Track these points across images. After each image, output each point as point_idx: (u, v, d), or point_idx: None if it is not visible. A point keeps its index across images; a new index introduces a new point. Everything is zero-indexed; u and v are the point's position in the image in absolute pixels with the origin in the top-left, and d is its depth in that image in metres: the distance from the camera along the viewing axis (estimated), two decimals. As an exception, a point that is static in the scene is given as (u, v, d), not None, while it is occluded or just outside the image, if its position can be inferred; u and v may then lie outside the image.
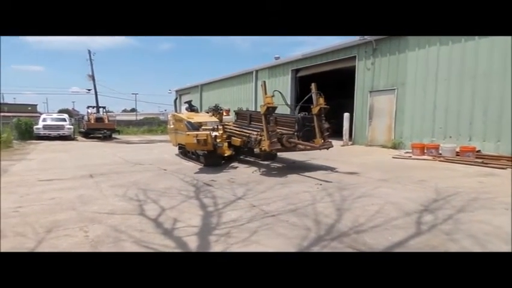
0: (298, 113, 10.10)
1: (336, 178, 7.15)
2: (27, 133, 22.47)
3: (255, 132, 9.52)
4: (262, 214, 4.56)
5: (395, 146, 11.95)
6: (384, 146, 12.32)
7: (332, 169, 8.39)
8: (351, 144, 13.90)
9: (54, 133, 22.79)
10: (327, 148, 9.14)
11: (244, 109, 13.60)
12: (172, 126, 13.09)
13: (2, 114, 29.32)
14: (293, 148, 8.92)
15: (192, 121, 10.84)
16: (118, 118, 46.41)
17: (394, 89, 12.19)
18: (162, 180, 7.17)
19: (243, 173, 8.13)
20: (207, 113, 13.58)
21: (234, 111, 13.34)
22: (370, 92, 13.13)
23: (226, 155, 10.18)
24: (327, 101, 9.16)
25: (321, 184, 6.49)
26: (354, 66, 13.76)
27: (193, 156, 10.77)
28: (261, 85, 9.42)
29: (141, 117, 60.35)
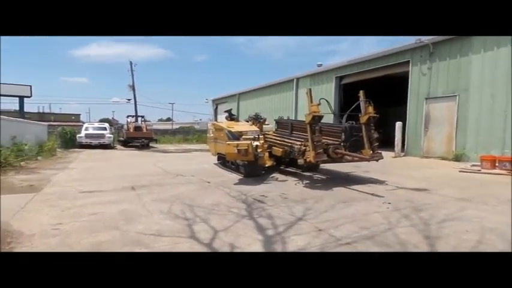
0: (345, 122, 9.29)
1: (403, 196, 6.27)
2: (70, 141, 23.06)
3: (299, 142, 8.94)
4: (334, 241, 3.83)
5: (457, 158, 10.80)
6: (443, 158, 11.19)
7: (393, 184, 7.48)
8: (403, 156, 12.83)
9: (95, 142, 23.23)
10: (377, 160, 8.33)
11: (285, 118, 12.93)
12: (211, 135, 12.70)
13: (49, 123, 30.48)
14: (340, 159, 8.28)
15: (233, 130, 10.36)
16: (154, 127, 47.29)
17: (455, 96, 11.08)
18: (207, 195, 6.61)
19: (292, 186, 7.41)
20: (247, 122, 13.08)
21: (275, 120, 12.76)
22: (426, 99, 12.06)
23: (267, 165, 9.69)
24: (375, 109, 8.37)
25: (389, 203, 5.65)
26: (407, 72, 12.75)
27: (233, 166, 10.38)
28: (306, 93, 8.81)
29: (177, 126, 61.42)
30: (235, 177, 9.16)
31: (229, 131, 10.42)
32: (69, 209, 5.42)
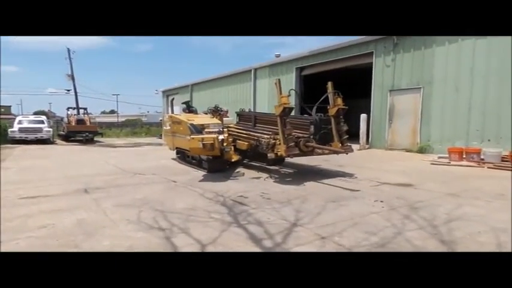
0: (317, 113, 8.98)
1: (391, 192, 5.99)
2: (0, 136, 20.54)
3: (266, 136, 8.48)
4: (346, 252, 3.34)
5: (422, 150, 10.96)
6: (408, 150, 11.32)
7: (371, 179, 7.22)
8: (368, 148, 12.86)
9: (31, 136, 20.95)
10: (347, 152, 8.09)
11: (246, 110, 12.37)
12: (168, 128, 11.84)
13: (-28, 115, 27.08)
14: (310, 153, 8.01)
15: (195, 123, 9.62)
16: (98, 120, 44.27)
17: (420, 88, 11.19)
18: (178, 197, 5.84)
19: (268, 184, 6.87)
20: (206, 114, 12.35)
21: (236, 112, 12.19)
22: (391, 91, 12.09)
23: (233, 160, 9.34)
24: (343, 101, 8.27)
25: (382, 201, 5.30)
26: (370, 64, 12.72)
27: (194, 161, 9.88)
28: (275, 83, 8.46)
29: (123, 119, 58.29)
30: (201, 174, 8.43)
31: (192, 124, 9.69)
32: (9, 222, 4.40)
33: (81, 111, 30.14)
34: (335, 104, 8.52)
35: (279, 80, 8.44)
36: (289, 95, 8.05)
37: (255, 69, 19.41)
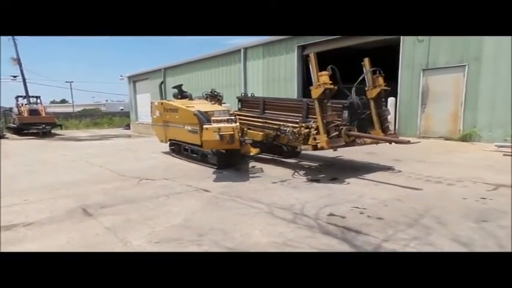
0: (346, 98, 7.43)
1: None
2: None
3: (291, 124, 7.14)
4: None
5: (465, 138, 9.72)
6: (447, 138, 10.04)
7: (469, 179, 5.70)
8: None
9: (-26, 131, 17.84)
10: (403, 143, 6.51)
11: (249, 95, 10.56)
12: (158, 116, 10.06)
13: None
14: (351, 143, 6.70)
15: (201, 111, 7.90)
16: (50, 110, 40.35)
17: (464, 66, 9.85)
18: (239, 220, 4.02)
19: (334, 189, 5.16)
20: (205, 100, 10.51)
21: (237, 97, 10.54)
22: (424, 70, 10.69)
23: (251, 153, 8.03)
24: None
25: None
26: (397, 39, 11.25)
27: (195, 156, 8.60)
28: (308, 59, 6.72)
29: (78, 109, 53.89)
30: (229, 175, 6.59)
31: (200, 112, 7.85)
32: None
33: (35, 100, 26.70)
34: (376, 84, 7.19)
35: (315, 53, 6.72)
36: (330, 73, 6.39)
37: (245, 49, 17.39)
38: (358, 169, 6.86)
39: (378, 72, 7.34)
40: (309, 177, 6.24)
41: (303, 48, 15.00)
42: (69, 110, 51.47)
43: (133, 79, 29.19)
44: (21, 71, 28.59)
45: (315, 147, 6.54)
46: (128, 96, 30.50)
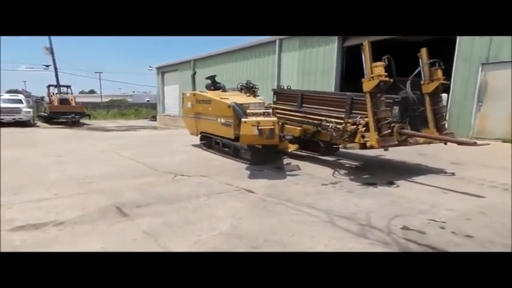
0: (398, 92, 6.73)
1: None
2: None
3: (335, 119, 6.77)
4: None
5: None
6: (504, 141, 9.13)
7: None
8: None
9: (8, 118, 18.13)
10: (469, 144, 5.75)
11: (284, 87, 9.95)
12: (190, 108, 9.66)
13: None
14: (404, 142, 6.03)
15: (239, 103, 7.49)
16: (78, 100, 41.05)
17: (530, 60, 8.92)
18: (297, 231, 3.45)
19: (402, 192, 4.52)
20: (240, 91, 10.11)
21: (273, 89, 9.98)
22: (483, 64, 9.74)
23: (290, 150, 7.85)
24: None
25: None
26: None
27: (227, 150, 8.31)
28: (362, 48, 6.08)
29: (106, 99, 54.69)
30: (269, 173, 6.03)
31: (237, 105, 7.39)
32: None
33: (64, 89, 27.00)
34: (435, 77, 6.54)
35: (369, 42, 6.07)
36: (385, 64, 5.77)
37: (280, 40, 16.72)
38: (414, 172, 6.15)
39: (437, 64, 6.64)
40: (365, 178, 5.61)
41: (343, 39, 14.22)
42: (97, 100, 52.31)
43: (162, 70, 29.04)
44: (54, 60, 28.99)
45: (363, 146, 5.96)
46: (156, 87, 30.39)
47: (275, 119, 6.67)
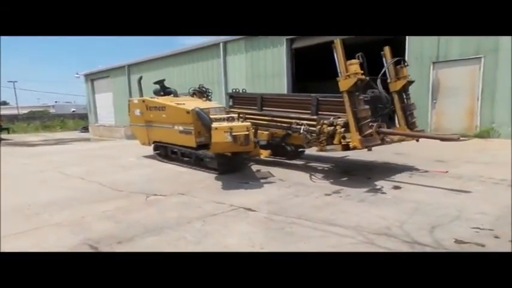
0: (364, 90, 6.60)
1: None
2: None
3: (306, 122, 6.38)
4: None
5: (482, 135, 9.15)
6: (462, 136, 9.39)
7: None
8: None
9: None
10: (453, 140, 5.59)
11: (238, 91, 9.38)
12: (139, 116, 8.72)
13: None
14: (381, 141, 5.82)
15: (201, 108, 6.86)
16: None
17: (479, 58, 9.26)
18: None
19: (411, 202, 4.12)
20: (192, 96, 9.45)
21: (228, 93, 9.48)
22: (434, 63, 10.01)
23: (262, 156, 7.52)
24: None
25: None
26: (402, 30, 10.48)
27: (187, 160, 7.59)
28: (334, 46, 5.74)
29: (24, 111, 49.20)
30: (256, 185, 5.33)
31: (201, 110, 6.73)
32: None
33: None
34: (399, 75, 6.54)
35: (341, 41, 5.79)
36: (361, 62, 5.61)
37: (224, 43, 16.00)
38: (406, 173, 5.87)
39: (402, 62, 6.67)
40: (366, 183, 5.14)
41: (291, 41, 13.96)
42: (13, 112, 46.82)
43: (92, 77, 26.68)
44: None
45: (346, 148, 5.59)
46: (86, 96, 27.85)
47: (249, 123, 6.02)
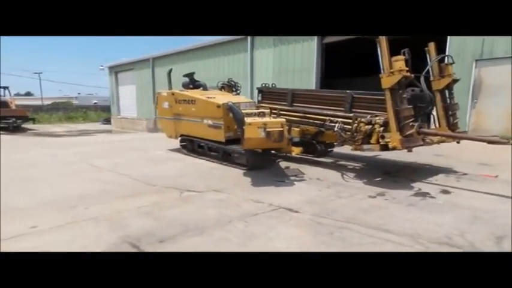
0: (409, 87, 6.27)
1: None
2: None
3: (341, 119, 6.13)
4: None
5: (522, 139, 8.67)
6: (502, 137, 8.97)
7: None
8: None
9: None
10: (502, 143, 5.26)
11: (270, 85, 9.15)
12: (167, 109, 8.65)
13: None
14: (422, 142, 5.57)
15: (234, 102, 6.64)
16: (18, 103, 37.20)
17: (527, 55, 8.80)
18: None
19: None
20: (220, 90, 9.37)
21: (257, 88, 9.25)
22: (477, 60, 9.54)
23: (294, 154, 7.11)
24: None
25: None
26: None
27: (215, 154, 7.44)
28: (378, 41, 5.40)
29: (48, 102, 50.30)
30: (292, 183, 5.10)
31: (234, 104, 6.59)
32: None
33: (2, 91, 24.03)
34: (444, 73, 6.19)
35: (386, 37, 5.48)
36: (406, 58, 5.27)
37: (252, 37, 15.79)
38: (451, 176, 5.55)
39: (448, 59, 6.37)
40: (411, 187, 4.85)
41: (322, 36, 13.60)
42: (37, 103, 47.91)
43: (115, 70, 26.94)
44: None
45: (384, 148, 5.36)
46: (109, 88, 28.14)
47: (283, 120, 5.85)
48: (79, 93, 59.37)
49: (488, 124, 9.55)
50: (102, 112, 37.97)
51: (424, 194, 4.50)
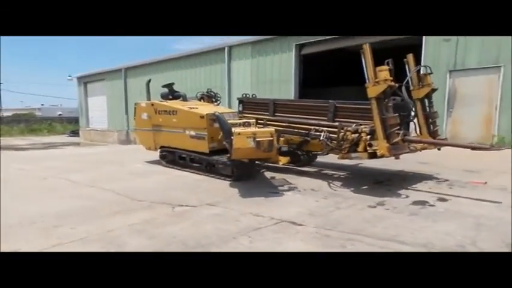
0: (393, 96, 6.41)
1: None
2: None
3: (326, 128, 6.11)
4: None
5: (498, 144, 9.00)
6: (481, 144, 9.26)
7: None
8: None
9: None
10: (484, 149, 5.41)
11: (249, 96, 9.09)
12: (146, 120, 8.39)
13: None
14: (406, 150, 5.66)
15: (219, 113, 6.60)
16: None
17: (499, 67, 9.16)
18: None
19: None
20: (199, 100, 9.30)
21: (238, 98, 9.16)
22: (451, 71, 9.88)
23: (281, 163, 7.17)
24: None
25: None
26: (417, 39, 10.27)
27: (197, 166, 7.25)
28: (362, 51, 5.52)
29: (8, 114, 47.85)
30: (286, 195, 4.97)
31: (220, 115, 6.50)
32: None
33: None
34: (423, 83, 6.44)
35: (368, 44, 5.58)
36: (390, 68, 5.39)
37: (229, 47, 15.66)
38: (443, 184, 5.60)
39: (426, 69, 6.60)
40: (409, 193, 4.83)
41: (300, 47, 13.69)
42: (-5, 115, 45.39)
43: (85, 80, 26.00)
44: None
45: (373, 155, 5.41)
46: (78, 99, 27.10)
47: (273, 129, 5.76)
48: (42, 105, 56.78)
49: (464, 132, 9.88)
50: (69, 124, 36.57)
51: (423, 203, 4.49)
